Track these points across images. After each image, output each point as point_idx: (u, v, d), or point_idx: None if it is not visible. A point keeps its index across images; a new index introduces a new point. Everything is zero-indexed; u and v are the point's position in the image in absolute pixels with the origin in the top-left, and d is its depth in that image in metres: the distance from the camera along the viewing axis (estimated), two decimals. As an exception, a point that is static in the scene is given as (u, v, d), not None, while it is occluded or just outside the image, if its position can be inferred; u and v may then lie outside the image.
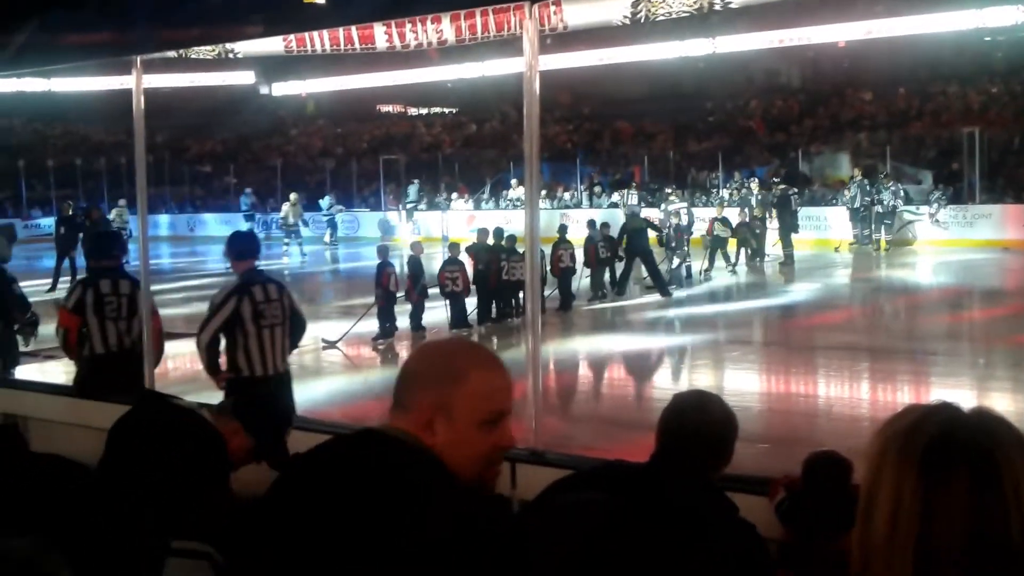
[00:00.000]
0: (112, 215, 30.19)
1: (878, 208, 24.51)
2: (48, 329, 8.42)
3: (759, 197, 24.80)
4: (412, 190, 34.47)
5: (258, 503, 1.97)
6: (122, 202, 31.47)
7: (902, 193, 25.04)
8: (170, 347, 7.55)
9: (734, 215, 22.43)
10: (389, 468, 1.83)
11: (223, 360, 6.72)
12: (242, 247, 7.05)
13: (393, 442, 1.89)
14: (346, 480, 1.82)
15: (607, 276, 18.13)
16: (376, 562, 1.72)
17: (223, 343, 6.68)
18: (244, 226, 30.47)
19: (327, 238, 32.66)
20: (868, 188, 25.25)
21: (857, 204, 24.83)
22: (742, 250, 21.77)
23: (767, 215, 23.30)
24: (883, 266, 22.67)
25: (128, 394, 5.77)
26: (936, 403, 1.40)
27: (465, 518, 1.81)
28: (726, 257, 21.10)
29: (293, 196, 30.78)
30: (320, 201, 33.62)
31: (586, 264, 17.65)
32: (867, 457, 1.38)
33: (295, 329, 6.96)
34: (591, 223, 18.96)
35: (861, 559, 1.35)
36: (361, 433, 1.96)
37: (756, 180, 27.32)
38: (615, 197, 30.30)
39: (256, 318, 6.58)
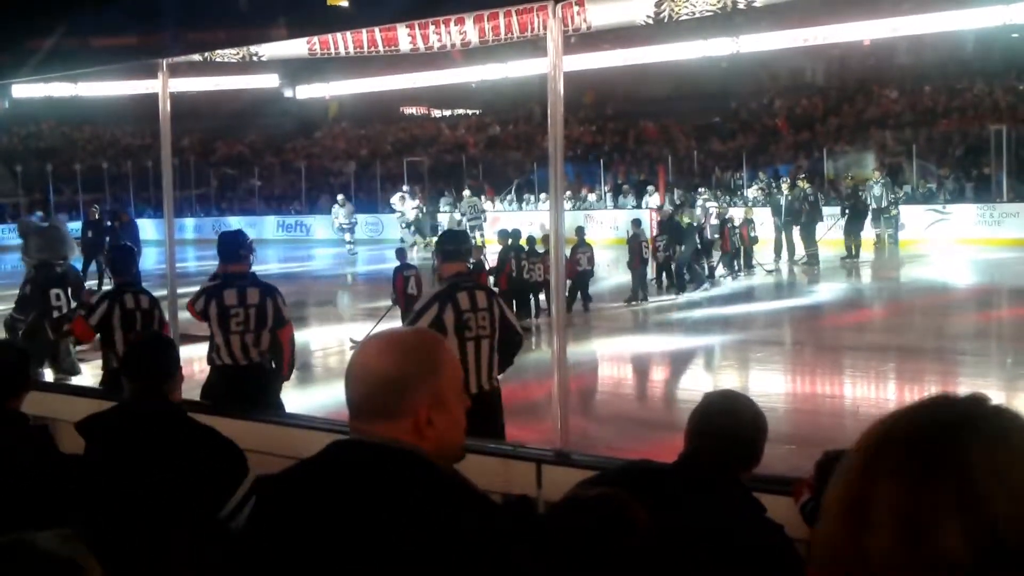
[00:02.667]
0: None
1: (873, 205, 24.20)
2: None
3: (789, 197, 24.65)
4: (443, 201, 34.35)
5: (259, 524, 1.98)
6: None
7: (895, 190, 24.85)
8: (195, 350, 7.57)
9: (761, 215, 22.38)
10: (423, 492, 1.85)
11: None
12: (454, 247, 6.38)
13: (413, 460, 1.90)
14: (382, 508, 1.83)
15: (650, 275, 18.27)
16: None
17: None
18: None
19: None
20: (892, 187, 25.10)
21: (883, 204, 24.64)
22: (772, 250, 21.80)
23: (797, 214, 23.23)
24: (909, 266, 22.51)
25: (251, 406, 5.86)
26: (940, 399, 1.32)
27: (496, 528, 1.83)
28: (746, 258, 21.07)
29: (341, 197, 31.66)
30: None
31: (630, 265, 17.61)
32: (856, 459, 1.29)
33: (507, 342, 6.18)
34: (636, 222, 18.92)
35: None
36: (368, 450, 1.93)
37: (786, 181, 27.22)
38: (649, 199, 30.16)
39: (460, 329, 5.92)
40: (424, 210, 31.71)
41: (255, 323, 6.50)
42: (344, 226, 30.78)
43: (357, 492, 1.85)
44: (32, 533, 1.59)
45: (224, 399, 6.08)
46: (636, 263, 17.46)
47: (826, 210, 23.76)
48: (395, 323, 13.87)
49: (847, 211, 23.31)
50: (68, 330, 7.06)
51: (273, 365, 6.72)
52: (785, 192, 23.71)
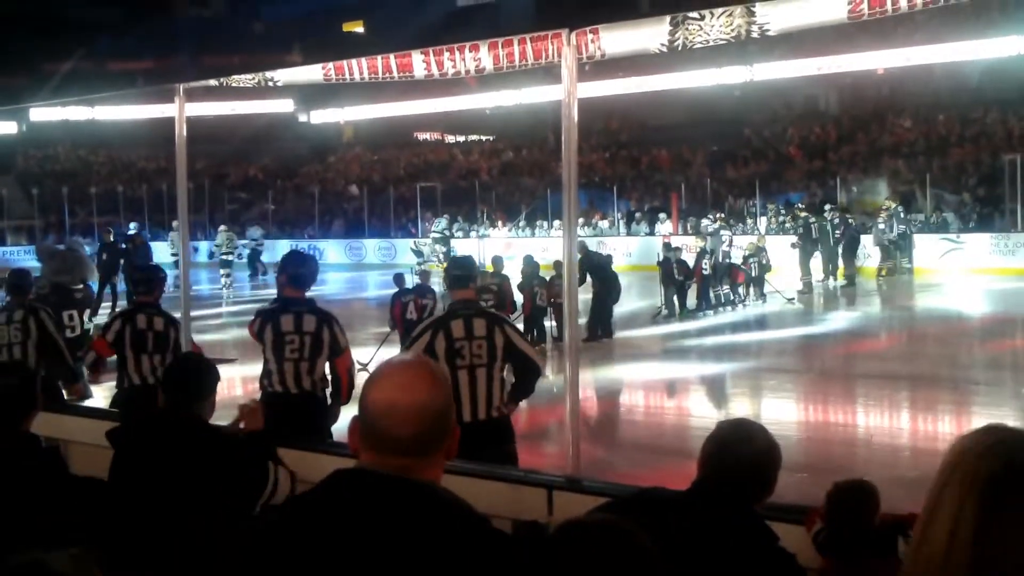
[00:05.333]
0: (171, 239, 30.37)
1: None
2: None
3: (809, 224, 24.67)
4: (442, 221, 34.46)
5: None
6: (175, 224, 31.80)
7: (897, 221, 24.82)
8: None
9: (774, 243, 22.46)
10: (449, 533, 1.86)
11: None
12: (460, 272, 6.10)
13: (458, 510, 1.91)
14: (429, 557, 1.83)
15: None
16: None
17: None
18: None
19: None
20: (902, 217, 25.11)
21: (893, 234, 24.62)
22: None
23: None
24: (922, 294, 22.43)
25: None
26: (1014, 430, 1.41)
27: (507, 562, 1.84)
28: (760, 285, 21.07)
29: (433, 216, 32.16)
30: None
31: (662, 282, 18.52)
32: (936, 475, 1.40)
33: (523, 373, 5.96)
34: (667, 245, 20.01)
35: (916, 572, 1.35)
36: (415, 501, 1.90)
37: (802, 207, 27.35)
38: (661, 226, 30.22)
39: (452, 357, 5.73)
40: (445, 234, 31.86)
41: (310, 351, 6.24)
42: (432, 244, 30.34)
43: (392, 531, 1.85)
44: (45, 553, 1.59)
45: (271, 427, 5.94)
46: (670, 282, 18.36)
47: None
48: (396, 348, 13.86)
49: (841, 239, 23.34)
50: (84, 352, 7.05)
51: (327, 395, 6.43)
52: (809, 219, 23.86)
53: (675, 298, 18.42)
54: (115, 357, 7.02)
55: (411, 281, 15.38)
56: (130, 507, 3.62)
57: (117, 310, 8.38)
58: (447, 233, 32.09)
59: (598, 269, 16.38)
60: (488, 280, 14.84)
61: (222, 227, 31.06)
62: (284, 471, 3.92)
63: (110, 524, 3.57)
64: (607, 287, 16.22)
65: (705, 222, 26.26)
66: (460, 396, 5.67)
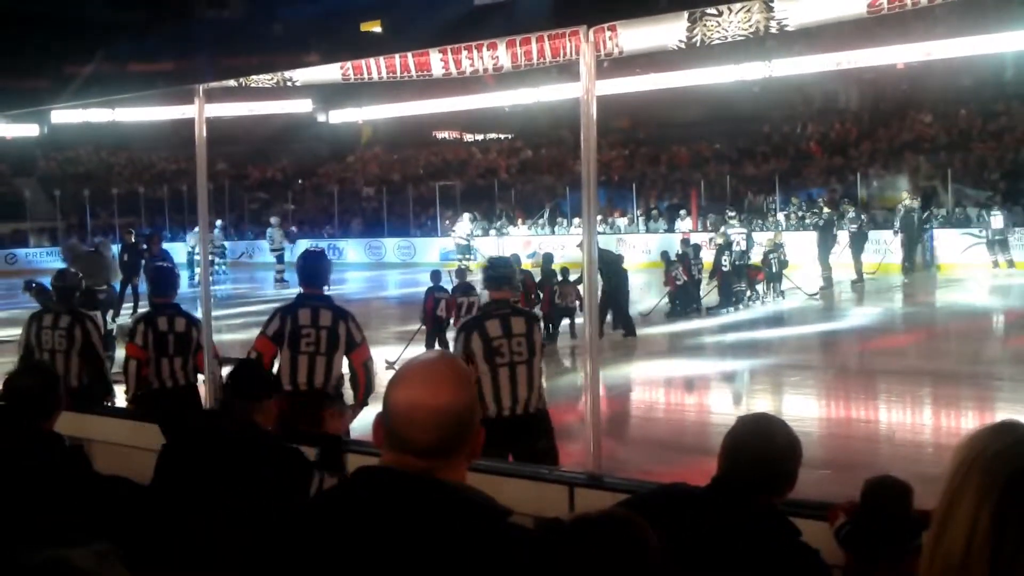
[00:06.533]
0: (191, 240, 30.46)
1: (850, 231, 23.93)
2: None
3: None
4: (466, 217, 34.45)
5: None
6: (218, 223, 32.13)
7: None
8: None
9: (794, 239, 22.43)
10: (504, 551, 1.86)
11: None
12: (496, 273, 6.32)
13: (480, 506, 1.91)
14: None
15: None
16: None
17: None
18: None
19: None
20: (920, 213, 24.97)
21: (912, 229, 24.48)
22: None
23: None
24: (944, 290, 22.31)
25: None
26: None
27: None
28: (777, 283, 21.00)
29: (467, 216, 31.87)
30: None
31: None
32: (948, 474, 1.35)
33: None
34: (685, 241, 20.56)
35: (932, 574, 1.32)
36: (444, 502, 1.90)
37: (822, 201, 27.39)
38: (680, 223, 30.19)
39: (491, 355, 5.92)
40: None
41: (326, 346, 6.24)
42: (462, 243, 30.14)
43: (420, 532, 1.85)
44: (68, 550, 1.60)
45: (285, 425, 5.86)
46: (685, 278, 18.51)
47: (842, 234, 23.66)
48: (422, 346, 13.88)
49: (851, 235, 23.22)
50: (124, 367, 7.02)
51: (342, 395, 6.39)
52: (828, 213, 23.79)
53: (677, 298, 18.40)
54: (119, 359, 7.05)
55: (448, 279, 15.39)
56: (172, 504, 3.69)
57: (139, 312, 8.41)
58: (470, 236, 32.08)
59: (607, 267, 16.22)
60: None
61: (273, 219, 31.40)
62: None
63: (145, 521, 3.61)
64: (615, 285, 16.03)
65: (729, 225, 26.02)
66: (500, 392, 5.89)
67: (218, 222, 32.51)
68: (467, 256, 28.01)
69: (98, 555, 1.62)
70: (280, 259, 29.28)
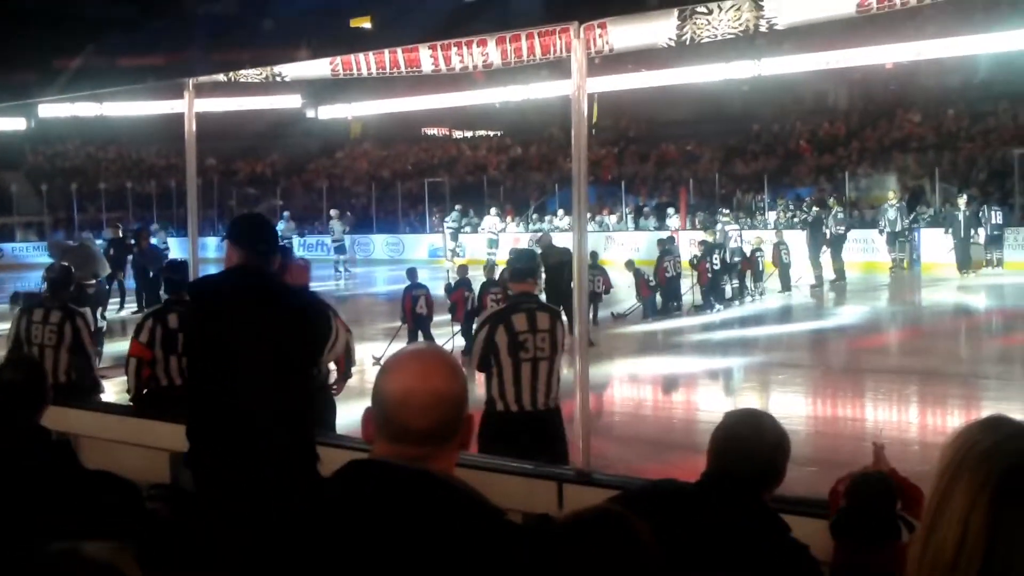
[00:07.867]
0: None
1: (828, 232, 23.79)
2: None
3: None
4: (454, 214, 34.47)
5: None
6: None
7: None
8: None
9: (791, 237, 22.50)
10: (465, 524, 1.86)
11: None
12: (522, 265, 6.37)
13: (473, 502, 1.91)
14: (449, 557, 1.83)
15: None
16: None
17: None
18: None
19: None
20: (907, 211, 25.03)
21: (898, 228, 24.51)
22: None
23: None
24: (929, 289, 22.37)
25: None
26: (1020, 423, 1.36)
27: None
28: (784, 279, 21.07)
29: (494, 210, 32.23)
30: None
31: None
32: (938, 471, 1.33)
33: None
34: (668, 239, 20.50)
35: (922, 573, 1.30)
36: (433, 495, 1.89)
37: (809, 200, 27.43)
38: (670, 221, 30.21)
39: (515, 349, 5.90)
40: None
41: None
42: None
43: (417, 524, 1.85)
44: (81, 543, 1.60)
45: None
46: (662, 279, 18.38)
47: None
48: (404, 343, 13.87)
49: (832, 235, 23.24)
50: (126, 366, 6.94)
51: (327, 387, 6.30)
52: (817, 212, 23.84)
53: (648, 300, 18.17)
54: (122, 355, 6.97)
55: (450, 276, 15.38)
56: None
57: (146, 309, 8.32)
58: (457, 227, 32.16)
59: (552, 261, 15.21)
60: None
61: (333, 211, 31.99)
62: (340, 324, 4.44)
63: (144, 521, 3.59)
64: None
65: (726, 222, 25.89)
66: (521, 386, 5.90)
67: (284, 214, 32.64)
68: (491, 251, 28.68)
69: (112, 549, 1.62)
70: (341, 250, 30.33)
